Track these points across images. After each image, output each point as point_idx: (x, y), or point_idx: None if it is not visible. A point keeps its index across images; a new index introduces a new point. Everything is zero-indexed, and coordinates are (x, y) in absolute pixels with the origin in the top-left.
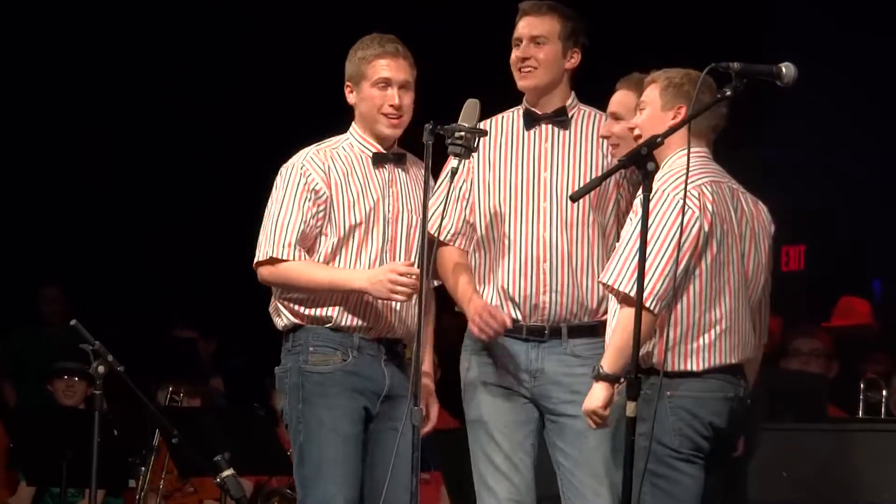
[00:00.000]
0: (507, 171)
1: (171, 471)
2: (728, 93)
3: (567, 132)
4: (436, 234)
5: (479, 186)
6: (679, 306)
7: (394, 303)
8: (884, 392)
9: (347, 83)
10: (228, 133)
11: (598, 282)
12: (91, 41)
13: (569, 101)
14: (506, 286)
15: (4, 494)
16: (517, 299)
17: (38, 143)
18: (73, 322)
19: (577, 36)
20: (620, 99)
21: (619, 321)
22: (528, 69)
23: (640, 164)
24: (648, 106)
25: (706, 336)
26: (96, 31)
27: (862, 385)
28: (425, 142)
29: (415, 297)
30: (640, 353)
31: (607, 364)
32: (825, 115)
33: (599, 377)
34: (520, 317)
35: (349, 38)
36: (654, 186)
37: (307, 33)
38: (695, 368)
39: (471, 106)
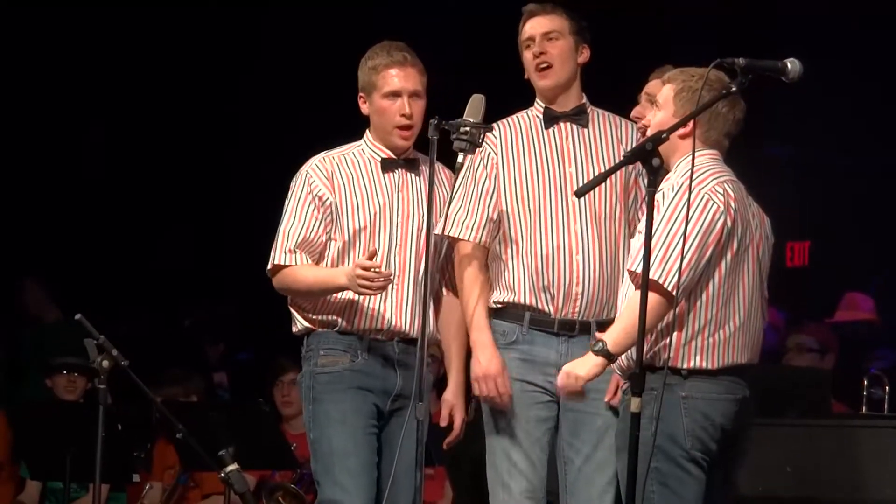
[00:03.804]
0: (532, 167)
1: (172, 465)
2: (733, 89)
3: (586, 130)
4: (458, 236)
5: (504, 183)
6: (699, 300)
7: (405, 304)
8: (886, 388)
9: (360, 94)
10: (233, 128)
11: (627, 269)
12: (94, 35)
13: (584, 101)
14: (542, 279)
15: (9, 489)
16: (553, 291)
17: (38, 136)
18: (77, 316)
19: (585, 32)
20: (657, 87)
21: (638, 303)
22: (546, 65)
23: (645, 159)
24: (663, 108)
25: (722, 332)
26: (100, 26)
27: (865, 381)
28: (430, 137)
29: (413, 292)
30: (654, 348)
31: (612, 342)
32: (831, 111)
33: (599, 352)
34: (552, 311)
35: (354, 49)
36: (678, 181)
37: (320, 33)
38: (709, 366)
39: (476, 101)
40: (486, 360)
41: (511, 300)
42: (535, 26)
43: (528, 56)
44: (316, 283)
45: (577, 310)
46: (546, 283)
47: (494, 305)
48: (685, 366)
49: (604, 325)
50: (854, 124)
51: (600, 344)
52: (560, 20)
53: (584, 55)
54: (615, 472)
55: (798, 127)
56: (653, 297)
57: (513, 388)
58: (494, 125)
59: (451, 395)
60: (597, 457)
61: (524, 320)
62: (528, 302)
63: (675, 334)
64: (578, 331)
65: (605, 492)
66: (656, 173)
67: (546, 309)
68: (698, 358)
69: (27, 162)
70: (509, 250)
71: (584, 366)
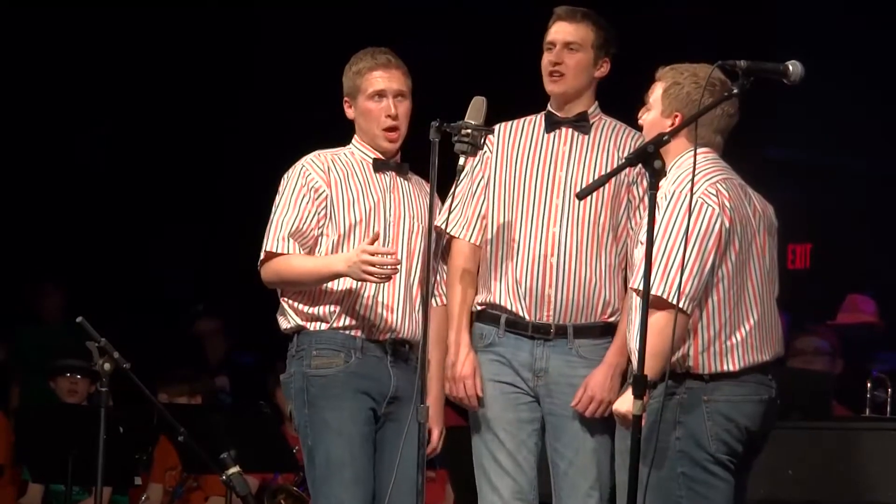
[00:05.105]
0: (522, 168)
1: (174, 466)
2: (734, 91)
3: (586, 137)
4: (443, 227)
5: (494, 182)
6: (710, 306)
7: (396, 303)
8: (889, 390)
9: (345, 98)
10: (234, 130)
11: (630, 288)
12: (99, 35)
13: (591, 109)
14: (514, 280)
15: (12, 491)
16: (523, 292)
17: (39, 137)
18: (79, 319)
19: (609, 46)
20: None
21: (652, 324)
22: (558, 75)
23: (646, 162)
24: (653, 108)
25: (738, 333)
26: (104, 26)
27: (869, 384)
28: (432, 139)
29: (416, 293)
30: (675, 357)
31: (644, 369)
32: (833, 114)
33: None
34: (526, 314)
35: (353, 50)
36: (670, 189)
37: (318, 37)
38: (731, 368)
39: (477, 103)
40: (459, 361)
41: (489, 302)
42: (558, 32)
43: (545, 59)
44: (309, 270)
45: (550, 313)
46: (519, 284)
47: (476, 307)
48: (706, 371)
49: (581, 330)
50: (856, 126)
51: (633, 373)
52: (585, 31)
53: (603, 69)
54: (598, 475)
55: (799, 129)
56: (662, 316)
57: (493, 391)
58: (497, 126)
59: (431, 407)
60: (579, 461)
61: (500, 323)
62: (503, 304)
63: (691, 343)
64: (555, 335)
65: (589, 496)
66: (658, 176)
67: (520, 312)
68: (718, 362)
69: (28, 163)
70: (489, 251)
71: (624, 400)
